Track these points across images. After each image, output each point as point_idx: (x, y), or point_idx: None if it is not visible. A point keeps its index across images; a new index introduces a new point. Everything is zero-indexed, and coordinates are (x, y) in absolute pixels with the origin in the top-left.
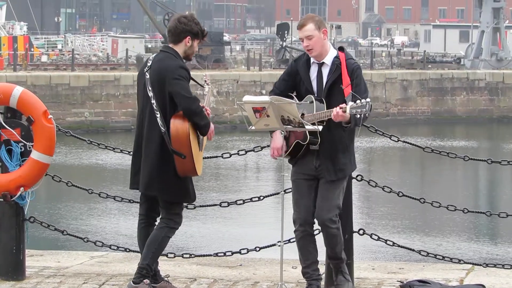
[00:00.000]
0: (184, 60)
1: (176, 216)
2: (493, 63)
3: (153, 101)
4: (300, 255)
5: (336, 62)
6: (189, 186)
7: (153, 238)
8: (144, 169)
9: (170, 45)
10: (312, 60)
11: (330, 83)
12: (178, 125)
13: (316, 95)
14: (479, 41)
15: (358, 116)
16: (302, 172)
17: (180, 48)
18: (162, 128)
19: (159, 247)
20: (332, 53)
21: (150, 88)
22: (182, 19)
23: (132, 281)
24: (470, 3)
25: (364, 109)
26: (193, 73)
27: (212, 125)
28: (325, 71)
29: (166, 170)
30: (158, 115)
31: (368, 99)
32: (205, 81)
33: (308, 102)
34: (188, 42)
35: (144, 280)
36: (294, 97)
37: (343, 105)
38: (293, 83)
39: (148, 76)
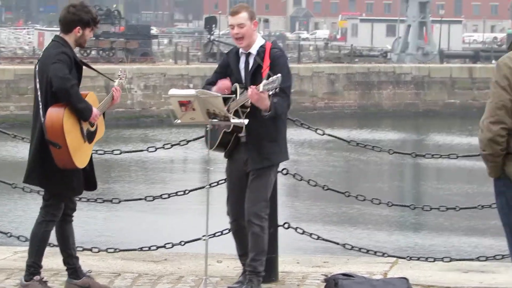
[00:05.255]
0: (79, 48)
1: (53, 208)
2: (419, 57)
3: (38, 92)
4: (235, 244)
5: (260, 51)
6: (73, 178)
7: (34, 234)
8: (28, 160)
9: (61, 35)
10: (240, 50)
11: (253, 71)
12: (53, 114)
13: (244, 84)
14: (405, 35)
15: (271, 92)
16: (234, 167)
17: (70, 38)
18: (42, 118)
19: (41, 243)
20: (259, 43)
21: (37, 80)
22: (71, 9)
23: (24, 279)
24: None
25: (275, 84)
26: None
27: (95, 110)
28: (251, 60)
29: (46, 161)
30: (41, 105)
31: (279, 75)
32: (119, 75)
33: (235, 91)
34: (79, 32)
35: (35, 277)
36: (238, 88)
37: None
38: (225, 75)
39: (37, 68)
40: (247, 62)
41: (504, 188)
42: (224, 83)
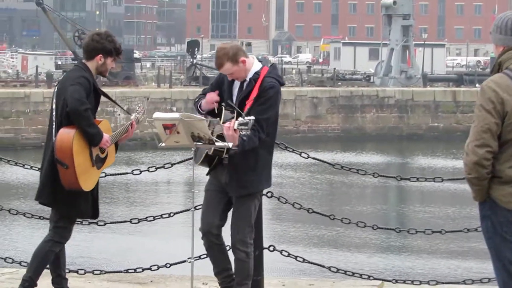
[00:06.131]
0: (97, 76)
1: (62, 230)
2: (403, 80)
3: (54, 112)
4: (210, 261)
5: (253, 78)
6: (81, 201)
7: (38, 251)
8: (40, 178)
9: (84, 61)
10: None
11: (241, 98)
12: (64, 134)
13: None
14: (388, 59)
15: (243, 132)
16: (214, 183)
17: (92, 65)
18: (54, 137)
19: (43, 261)
20: (254, 68)
21: (54, 100)
22: (95, 37)
23: None
24: (379, 21)
25: (246, 127)
26: (104, 90)
27: (106, 136)
28: (245, 84)
29: (56, 181)
30: (54, 125)
31: (252, 117)
32: (137, 109)
33: (220, 113)
34: (100, 60)
35: None
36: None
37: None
38: (220, 91)
39: (55, 89)
40: (241, 86)
41: (489, 212)
42: (212, 97)
